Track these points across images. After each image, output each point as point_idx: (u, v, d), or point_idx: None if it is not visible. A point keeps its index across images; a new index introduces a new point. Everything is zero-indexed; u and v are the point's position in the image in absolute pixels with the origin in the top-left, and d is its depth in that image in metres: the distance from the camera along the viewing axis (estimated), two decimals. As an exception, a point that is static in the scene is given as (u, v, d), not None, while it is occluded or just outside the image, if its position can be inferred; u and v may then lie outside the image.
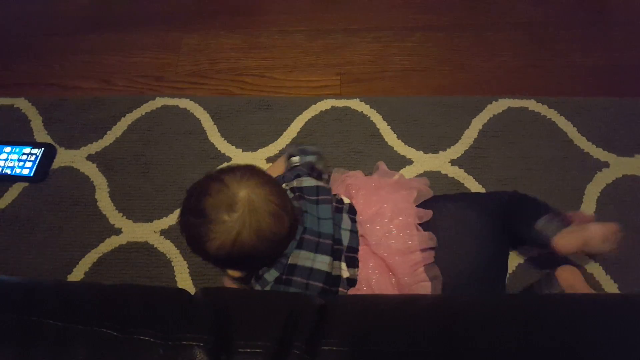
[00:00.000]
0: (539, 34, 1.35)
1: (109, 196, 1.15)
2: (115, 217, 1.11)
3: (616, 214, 1.04)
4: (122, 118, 1.26)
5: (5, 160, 1.20)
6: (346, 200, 0.88)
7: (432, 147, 1.16)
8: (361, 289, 0.81)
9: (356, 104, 1.23)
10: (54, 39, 1.46)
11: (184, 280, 1.03)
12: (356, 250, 0.81)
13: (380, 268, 0.81)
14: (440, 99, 1.23)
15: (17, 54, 1.44)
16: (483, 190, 1.09)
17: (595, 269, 0.99)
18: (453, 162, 1.14)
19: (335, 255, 0.79)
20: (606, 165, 1.11)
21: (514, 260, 0.99)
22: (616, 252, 0.85)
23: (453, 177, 1.11)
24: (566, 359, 0.44)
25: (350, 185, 0.92)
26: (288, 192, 0.82)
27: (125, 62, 1.39)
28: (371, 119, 1.21)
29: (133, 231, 1.09)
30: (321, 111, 1.23)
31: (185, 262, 1.04)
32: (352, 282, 0.81)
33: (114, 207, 1.13)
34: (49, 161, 1.20)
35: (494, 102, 1.21)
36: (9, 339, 0.45)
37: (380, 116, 1.21)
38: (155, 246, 1.07)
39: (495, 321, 0.48)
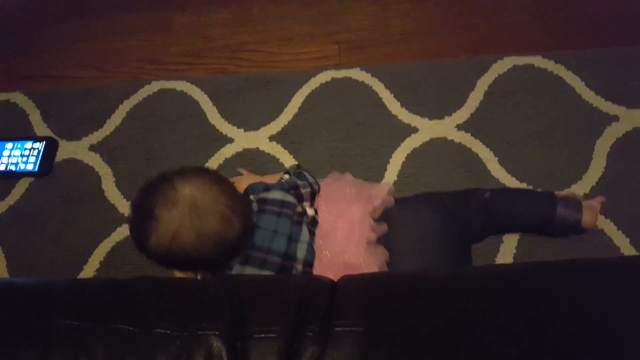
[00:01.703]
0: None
1: (116, 185, 1.15)
2: (124, 206, 1.12)
3: (627, 167, 1.03)
4: (120, 105, 1.24)
5: (9, 156, 1.20)
6: (310, 212, 0.85)
7: (437, 113, 1.13)
8: None
9: (357, 74, 1.20)
10: (41, 29, 1.42)
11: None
12: (311, 264, 0.79)
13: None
14: (443, 62, 1.19)
15: (7, 48, 1.41)
16: (491, 155, 1.07)
17: (606, 224, 0.98)
18: (459, 127, 1.11)
19: (283, 272, 0.77)
20: (616, 118, 1.08)
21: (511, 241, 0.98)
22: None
23: (460, 143, 1.09)
24: (579, 327, 0.44)
25: (318, 197, 0.89)
26: (254, 204, 0.80)
27: (116, 47, 1.36)
28: (373, 88, 1.18)
29: (142, 219, 1.10)
30: (321, 84, 1.20)
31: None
32: None
33: (122, 196, 1.13)
34: (52, 154, 1.20)
35: (498, 61, 1.17)
36: (27, 340, 0.46)
37: (382, 84, 1.18)
38: (165, 232, 1.08)
39: (506, 293, 0.48)
